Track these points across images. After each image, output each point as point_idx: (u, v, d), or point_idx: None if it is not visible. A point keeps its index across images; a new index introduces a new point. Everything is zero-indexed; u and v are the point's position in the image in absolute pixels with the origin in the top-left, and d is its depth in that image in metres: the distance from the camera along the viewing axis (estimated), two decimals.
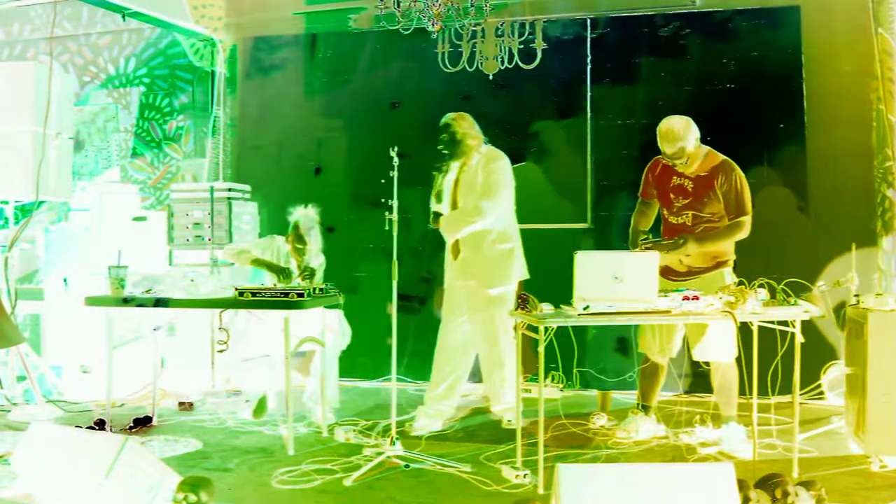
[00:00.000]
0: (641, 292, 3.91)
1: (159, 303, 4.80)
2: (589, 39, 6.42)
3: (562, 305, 4.06)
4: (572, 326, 4.05)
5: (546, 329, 3.86)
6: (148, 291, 4.90)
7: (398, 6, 4.98)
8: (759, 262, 4.93)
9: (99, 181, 7.37)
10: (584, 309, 3.88)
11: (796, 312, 3.98)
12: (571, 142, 6.43)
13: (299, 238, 5.37)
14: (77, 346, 6.17)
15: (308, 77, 7.07)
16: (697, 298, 4.02)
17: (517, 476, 3.98)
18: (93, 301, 4.97)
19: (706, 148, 4.70)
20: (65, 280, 6.26)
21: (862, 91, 5.90)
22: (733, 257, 4.73)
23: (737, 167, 4.65)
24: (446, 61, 6.61)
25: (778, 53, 6.08)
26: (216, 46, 7.17)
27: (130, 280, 4.94)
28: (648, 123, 4.78)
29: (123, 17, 6.70)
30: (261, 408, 5.30)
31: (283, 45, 7.13)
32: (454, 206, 5.13)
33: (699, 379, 4.86)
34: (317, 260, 5.46)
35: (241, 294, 4.66)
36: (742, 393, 4.63)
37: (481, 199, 5.00)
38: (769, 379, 4.13)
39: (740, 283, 4.06)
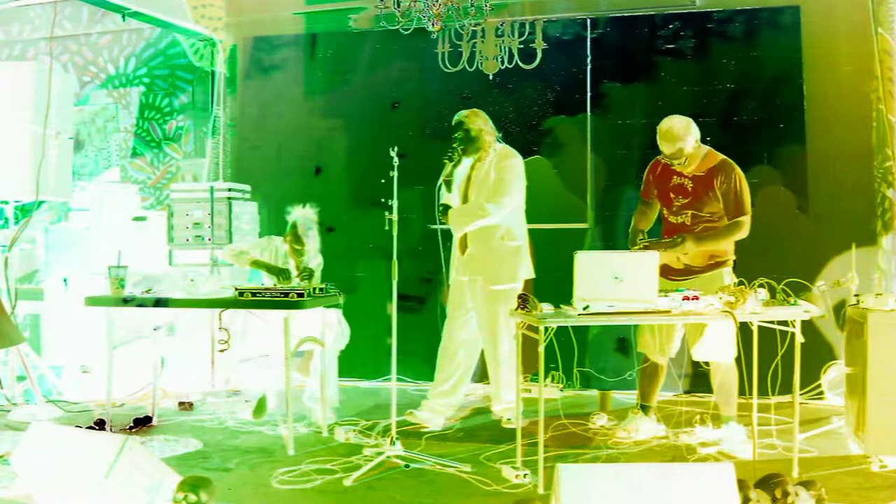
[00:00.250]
0: (641, 292, 3.91)
1: (159, 303, 4.80)
2: (589, 39, 6.42)
3: (562, 305, 4.07)
4: (572, 326, 4.05)
5: (546, 329, 3.86)
6: (148, 291, 4.90)
7: (398, 6, 4.98)
8: (759, 261, 4.93)
9: (99, 181, 7.37)
10: (584, 309, 3.88)
11: (796, 312, 3.98)
12: (571, 142, 6.43)
13: (297, 238, 5.37)
14: (77, 346, 6.16)
15: (308, 77, 7.06)
16: (697, 298, 4.02)
17: (517, 476, 3.99)
18: (93, 301, 4.98)
19: (706, 148, 4.70)
20: (65, 280, 6.26)
21: (862, 91, 5.90)
22: (733, 257, 4.73)
23: (736, 167, 4.65)
24: (446, 61, 6.61)
25: (778, 53, 6.08)
26: (216, 46, 7.17)
27: (130, 280, 4.94)
28: (648, 123, 4.79)
29: (123, 17, 6.69)
30: (260, 408, 5.30)
31: (283, 45, 7.13)
32: (465, 201, 5.14)
33: (699, 379, 4.87)
34: (315, 260, 5.46)
35: (241, 294, 4.66)
36: (742, 393, 4.63)
37: (492, 195, 5.02)
38: (769, 379, 4.13)
39: (740, 283, 4.06)
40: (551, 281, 6.26)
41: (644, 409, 4.89)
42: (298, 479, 4.05)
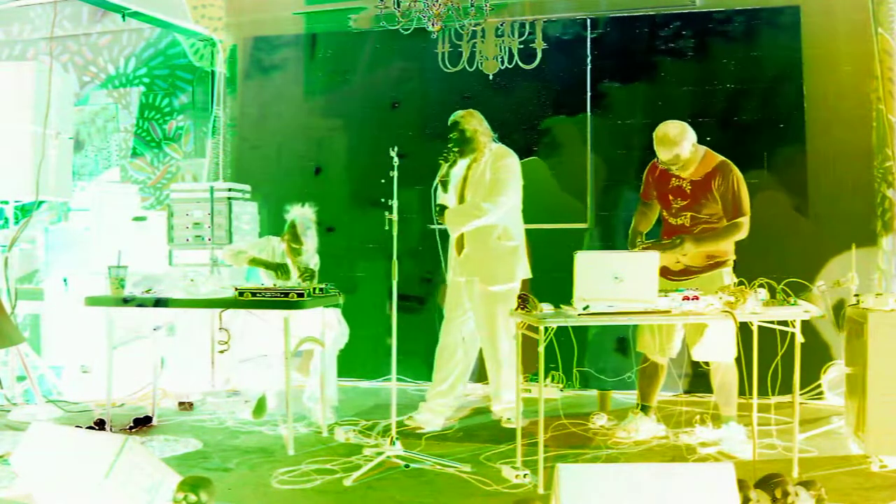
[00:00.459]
0: (641, 292, 3.91)
1: (159, 303, 4.80)
2: (589, 39, 6.42)
3: (562, 305, 4.06)
4: (572, 326, 4.05)
5: (546, 329, 3.86)
6: (148, 291, 4.90)
7: (398, 6, 4.98)
8: (759, 262, 4.93)
9: (99, 181, 7.37)
10: (584, 309, 3.88)
11: (796, 312, 3.98)
12: (571, 142, 6.43)
13: (295, 238, 5.37)
14: (77, 346, 6.16)
15: (308, 77, 7.07)
16: (697, 298, 4.02)
17: (517, 476, 3.99)
18: (93, 301, 4.98)
19: (703, 149, 4.69)
20: (65, 280, 6.26)
21: (862, 91, 5.90)
22: (733, 257, 4.73)
23: (734, 168, 4.65)
24: (446, 61, 6.61)
25: (778, 53, 6.08)
26: (216, 46, 7.17)
27: (130, 280, 4.94)
28: (648, 123, 4.78)
29: (123, 17, 6.70)
30: (260, 408, 5.30)
31: (283, 45, 7.13)
32: (461, 201, 5.14)
33: (699, 379, 4.87)
34: (312, 260, 5.45)
35: (241, 294, 4.66)
36: (742, 393, 4.63)
37: (488, 195, 5.01)
38: (769, 379, 4.13)
39: (740, 283, 4.06)
40: (551, 281, 6.28)
41: (644, 409, 4.89)
42: (298, 479, 4.05)
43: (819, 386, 5.58)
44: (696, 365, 4.89)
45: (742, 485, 3.17)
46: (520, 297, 4.14)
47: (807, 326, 4.11)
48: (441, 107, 6.35)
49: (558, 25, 6.51)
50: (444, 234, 5.21)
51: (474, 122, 5.13)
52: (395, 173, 4.37)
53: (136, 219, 6.72)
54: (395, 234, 4.40)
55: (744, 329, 4.08)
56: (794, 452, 4.09)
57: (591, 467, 3.13)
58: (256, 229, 6.72)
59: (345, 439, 4.81)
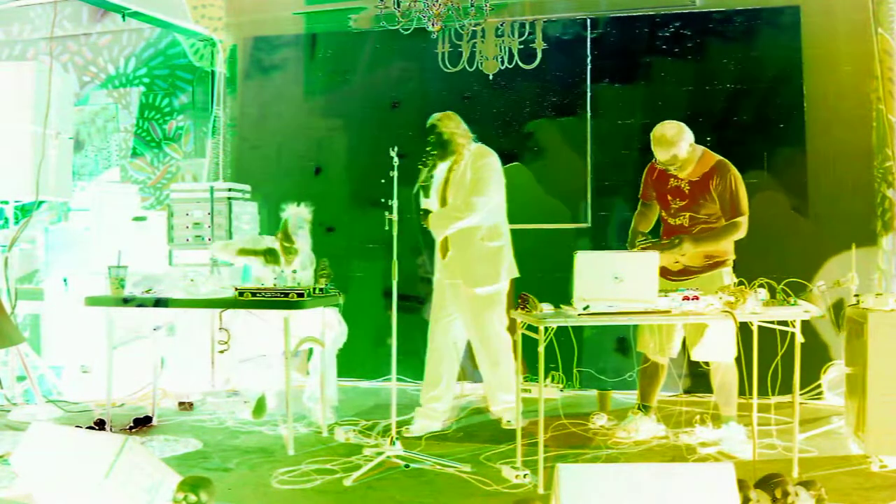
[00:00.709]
0: (641, 292, 3.91)
1: (159, 303, 4.80)
2: (589, 39, 6.42)
3: (562, 305, 4.06)
4: (572, 326, 4.04)
5: (546, 329, 3.86)
6: (148, 291, 4.90)
7: (398, 6, 4.98)
8: (758, 262, 4.93)
9: (99, 181, 7.37)
10: (584, 309, 3.88)
11: (796, 312, 3.98)
12: (571, 141, 6.43)
13: (287, 236, 5.37)
14: (77, 346, 6.16)
15: (308, 77, 7.06)
16: (697, 298, 4.02)
17: (517, 476, 3.99)
18: (93, 301, 4.98)
19: (701, 149, 4.69)
20: (65, 280, 6.26)
21: (862, 91, 5.90)
22: (732, 257, 4.73)
23: (732, 167, 4.65)
24: (446, 61, 6.61)
25: (778, 53, 6.08)
26: (216, 46, 7.17)
27: (130, 280, 4.94)
28: (648, 123, 4.78)
29: (123, 17, 6.70)
30: (260, 408, 5.29)
31: (283, 45, 7.13)
32: (443, 204, 5.07)
33: (699, 379, 4.86)
34: (307, 258, 5.43)
35: (241, 294, 4.66)
36: (742, 393, 4.63)
37: (470, 196, 4.95)
38: (769, 379, 4.13)
39: (740, 283, 4.06)
40: (550, 281, 6.29)
41: (644, 409, 4.89)
42: (298, 479, 4.05)
43: (819, 386, 5.58)
44: (696, 365, 4.89)
45: (742, 485, 3.17)
46: (520, 297, 4.14)
47: (807, 326, 4.11)
48: (441, 107, 6.32)
49: (558, 25, 6.51)
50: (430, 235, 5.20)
51: (451, 125, 5.06)
52: (395, 173, 4.38)
53: (136, 219, 6.72)
54: (395, 234, 4.40)
55: (744, 329, 4.08)
56: (794, 452, 4.09)
57: (591, 467, 3.13)
58: (256, 229, 6.71)
59: (345, 439, 4.81)
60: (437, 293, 5.21)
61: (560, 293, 4.06)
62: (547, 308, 4.05)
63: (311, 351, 5.34)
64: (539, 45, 6.49)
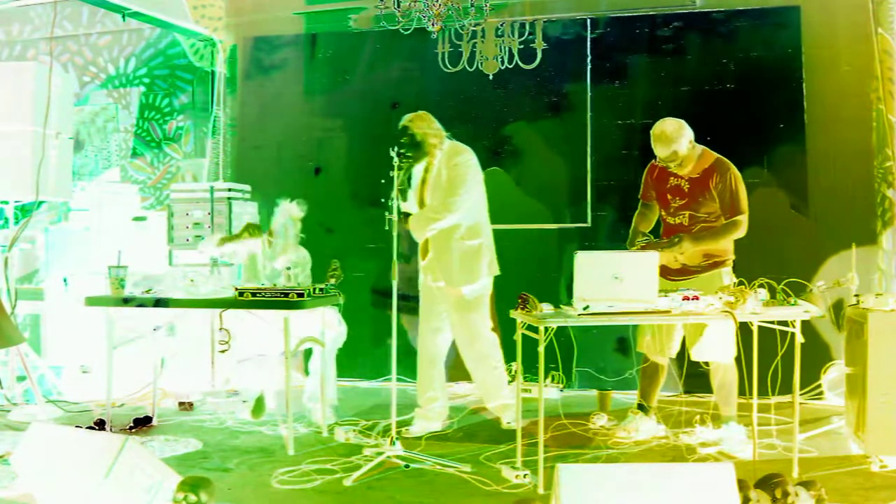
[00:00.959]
0: (641, 292, 3.91)
1: (159, 303, 4.80)
2: (589, 39, 6.42)
3: (562, 305, 4.06)
4: (572, 326, 4.04)
5: (546, 329, 3.86)
6: (148, 291, 4.90)
7: (398, 6, 4.98)
8: (758, 262, 4.93)
9: (99, 181, 7.37)
10: (584, 309, 3.88)
11: (796, 312, 3.98)
12: (571, 141, 6.42)
13: (271, 232, 5.39)
14: (77, 346, 6.16)
15: (308, 77, 7.06)
16: (697, 298, 4.02)
17: (517, 476, 3.98)
18: (93, 301, 4.98)
19: (701, 148, 4.70)
20: (65, 280, 6.26)
21: (862, 91, 5.90)
22: (732, 257, 4.73)
23: (732, 166, 4.65)
24: (446, 61, 6.61)
25: (778, 53, 6.08)
26: (216, 46, 7.17)
27: (130, 280, 4.94)
28: (648, 123, 4.78)
29: (123, 17, 6.70)
30: (259, 407, 5.29)
31: (283, 45, 7.13)
32: (422, 205, 5.04)
33: (699, 379, 4.86)
34: (292, 255, 5.41)
35: (241, 294, 4.66)
36: (742, 393, 4.63)
37: (446, 196, 4.91)
38: (769, 379, 4.13)
39: (740, 283, 4.06)
40: (549, 281, 6.29)
41: (644, 409, 4.89)
42: (298, 479, 4.05)
43: (819, 386, 5.58)
44: (696, 365, 4.89)
45: (742, 485, 3.17)
46: (520, 297, 4.14)
47: (807, 326, 4.11)
48: (441, 107, 6.34)
49: (558, 25, 6.51)
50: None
51: (423, 125, 5.01)
52: (395, 173, 4.38)
53: (136, 219, 6.72)
54: (395, 234, 4.40)
55: (744, 329, 4.08)
56: (794, 452, 4.09)
57: (591, 467, 3.13)
58: None
59: (345, 439, 4.81)
60: (423, 295, 5.18)
61: (561, 292, 4.06)
62: (547, 308, 4.05)
63: (310, 351, 5.34)
64: (539, 45, 6.49)
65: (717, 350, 4.59)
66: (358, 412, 5.56)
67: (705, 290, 4.18)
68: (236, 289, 4.72)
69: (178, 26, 6.96)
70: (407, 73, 6.74)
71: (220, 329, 4.93)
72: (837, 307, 5.22)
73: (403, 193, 4.90)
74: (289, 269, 5.18)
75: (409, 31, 5.07)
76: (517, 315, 4.14)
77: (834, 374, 5.44)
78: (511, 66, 6.51)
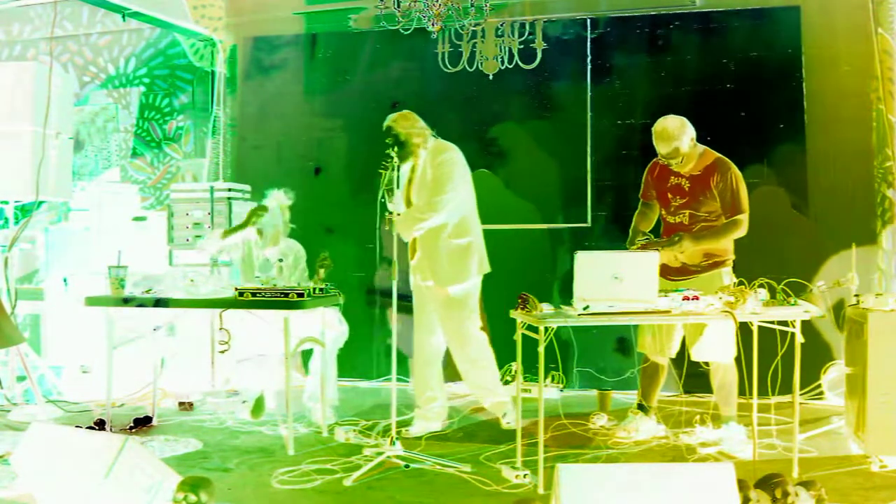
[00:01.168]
0: (641, 292, 3.91)
1: (159, 303, 4.80)
2: (589, 39, 6.42)
3: (562, 305, 4.06)
4: (572, 326, 4.04)
5: (546, 329, 3.86)
6: (148, 291, 4.90)
7: (398, 6, 4.98)
8: (758, 261, 4.93)
9: (99, 181, 7.37)
10: (584, 309, 3.88)
11: (796, 312, 3.98)
12: (571, 141, 6.42)
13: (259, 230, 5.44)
14: (77, 346, 6.17)
15: (308, 77, 7.06)
16: (697, 298, 4.02)
17: (517, 476, 3.98)
18: (93, 301, 4.98)
19: (702, 147, 4.70)
20: (65, 280, 6.26)
21: (862, 91, 5.90)
22: (732, 257, 4.73)
23: (732, 165, 4.65)
24: (446, 61, 6.61)
25: (778, 53, 6.08)
26: (216, 46, 7.17)
27: (130, 280, 4.94)
28: (648, 123, 4.78)
29: (123, 17, 6.70)
30: (258, 408, 5.29)
31: (283, 45, 7.13)
32: (409, 204, 5.00)
33: (699, 379, 4.86)
34: (282, 245, 5.42)
35: (241, 294, 4.66)
36: (742, 393, 4.63)
37: (431, 195, 4.87)
38: (769, 379, 4.13)
39: (740, 283, 4.06)
40: (548, 280, 6.29)
41: (644, 409, 4.89)
42: (298, 479, 4.05)
43: (819, 386, 5.58)
44: (696, 365, 4.89)
45: (742, 485, 3.17)
46: (520, 297, 4.13)
47: (807, 326, 4.11)
48: (441, 107, 6.36)
49: (558, 25, 6.51)
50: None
51: (406, 124, 4.98)
52: (395, 173, 4.37)
53: (136, 219, 6.72)
54: (395, 234, 4.40)
55: (744, 329, 4.08)
56: (794, 452, 4.09)
57: (591, 467, 3.13)
58: None
59: (345, 439, 4.81)
60: (416, 296, 5.16)
61: (558, 292, 4.06)
62: (547, 308, 4.05)
63: (310, 350, 5.33)
64: (539, 45, 6.49)
65: (718, 350, 4.59)
66: (358, 412, 5.56)
67: (705, 290, 4.18)
68: (236, 289, 4.72)
69: (178, 26, 6.96)
70: (407, 73, 6.75)
71: (220, 329, 4.93)
72: (837, 307, 5.21)
73: (390, 193, 4.85)
74: (280, 260, 5.18)
75: (409, 31, 5.07)
76: (517, 315, 4.14)
77: (834, 374, 5.45)
78: (511, 66, 6.51)
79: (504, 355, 5.33)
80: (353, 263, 6.70)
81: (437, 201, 4.85)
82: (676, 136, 4.57)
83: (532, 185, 6.47)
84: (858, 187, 5.91)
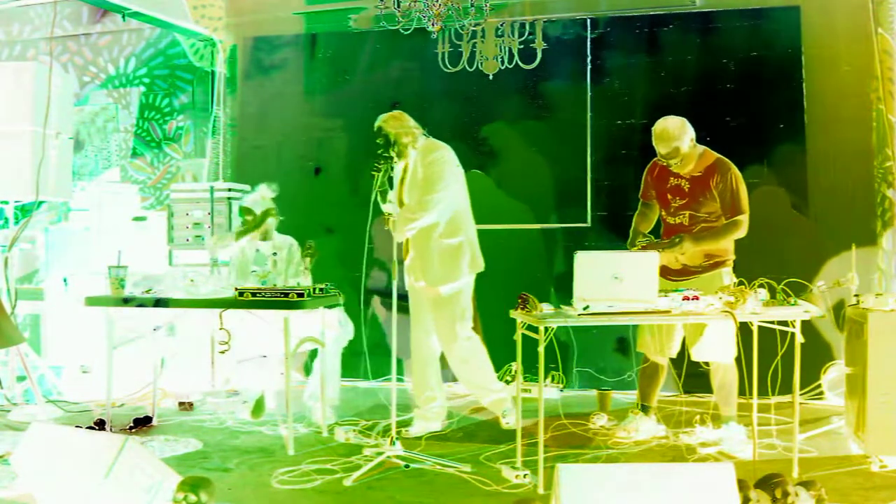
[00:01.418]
0: (641, 292, 3.91)
1: (159, 303, 4.80)
2: (589, 39, 6.43)
3: (562, 305, 4.06)
4: (572, 326, 4.04)
5: (546, 329, 3.86)
6: (148, 291, 4.90)
7: (398, 6, 4.98)
8: (758, 262, 4.93)
9: (99, 181, 7.37)
10: (584, 309, 3.88)
11: (796, 312, 3.98)
12: (571, 141, 6.42)
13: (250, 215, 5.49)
14: (77, 346, 6.16)
15: (308, 77, 7.06)
16: (697, 298, 4.02)
17: (517, 476, 3.98)
18: (93, 301, 4.98)
19: (702, 147, 4.70)
20: (65, 280, 6.26)
21: (862, 91, 5.90)
22: (732, 257, 4.73)
23: (732, 166, 4.65)
24: (446, 61, 6.61)
25: (778, 53, 6.08)
26: (216, 46, 7.17)
27: (130, 280, 4.94)
28: (648, 123, 4.78)
29: (123, 17, 6.70)
30: (258, 408, 5.29)
31: (283, 45, 7.13)
32: (401, 205, 4.98)
33: (699, 379, 4.86)
34: (270, 243, 5.45)
35: (241, 294, 4.66)
36: (742, 393, 4.63)
37: (423, 195, 4.85)
38: (769, 379, 4.13)
39: (740, 283, 4.06)
40: (547, 280, 6.28)
41: (644, 409, 4.89)
42: (298, 479, 4.05)
43: (819, 386, 5.58)
44: (696, 365, 4.90)
45: (742, 485, 3.17)
46: (520, 297, 4.13)
47: (807, 326, 4.11)
48: (441, 107, 6.36)
49: (558, 25, 6.51)
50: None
51: (396, 124, 4.96)
52: (395, 173, 4.38)
53: (136, 219, 6.72)
54: (395, 234, 4.40)
55: (744, 329, 4.08)
56: (794, 452, 4.09)
57: (591, 467, 3.13)
58: None
59: (345, 439, 4.81)
60: (411, 298, 5.14)
61: (559, 291, 4.06)
62: (547, 308, 4.05)
63: (315, 350, 5.33)
64: (539, 45, 6.49)
65: (718, 350, 4.59)
66: (358, 412, 5.56)
67: (706, 290, 4.18)
68: (236, 289, 4.72)
69: (178, 26, 6.96)
70: (407, 73, 6.75)
71: (221, 329, 4.93)
72: (837, 307, 5.21)
73: (383, 195, 4.83)
74: (275, 254, 5.18)
75: (409, 31, 5.07)
76: (517, 315, 4.14)
77: (834, 374, 5.44)
78: (511, 66, 6.51)
79: (504, 355, 5.33)
80: (354, 263, 6.70)
81: (428, 200, 4.83)
82: (676, 136, 4.57)
83: (528, 185, 6.46)
84: (858, 187, 5.91)
